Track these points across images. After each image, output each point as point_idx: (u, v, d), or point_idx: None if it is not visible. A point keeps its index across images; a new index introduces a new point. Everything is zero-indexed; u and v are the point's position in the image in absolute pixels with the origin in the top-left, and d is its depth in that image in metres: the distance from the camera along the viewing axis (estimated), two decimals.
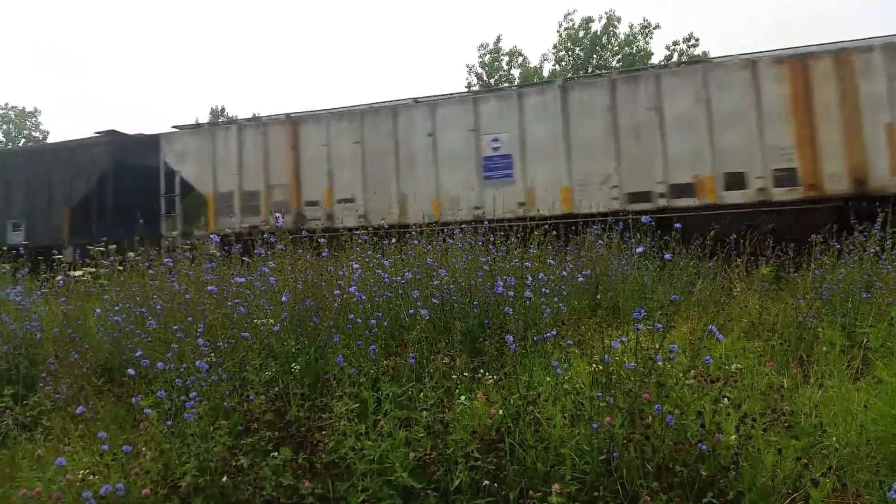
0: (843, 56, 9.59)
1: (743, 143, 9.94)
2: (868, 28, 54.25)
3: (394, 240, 6.18)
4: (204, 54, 79.49)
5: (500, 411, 3.06)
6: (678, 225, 5.38)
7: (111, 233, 12.31)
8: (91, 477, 2.89)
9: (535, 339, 4.01)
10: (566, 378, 3.47)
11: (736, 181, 9.96)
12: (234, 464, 2.90)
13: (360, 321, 3.99)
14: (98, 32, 77.97)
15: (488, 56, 33.21)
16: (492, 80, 32.43)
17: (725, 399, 2.99)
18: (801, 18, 55.31)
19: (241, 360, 3.69)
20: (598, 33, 32.45)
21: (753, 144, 9.87)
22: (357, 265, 4.73)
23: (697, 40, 31.46)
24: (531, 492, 2.64)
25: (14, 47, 71.43)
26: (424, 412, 3.12)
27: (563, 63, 33.00)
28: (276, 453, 2.93)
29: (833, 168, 9.50)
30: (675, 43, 31.46)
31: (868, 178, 9.39)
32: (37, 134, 43.87)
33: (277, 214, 4.55)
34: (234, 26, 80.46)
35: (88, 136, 15.36)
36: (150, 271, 5.46)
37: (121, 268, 6.23)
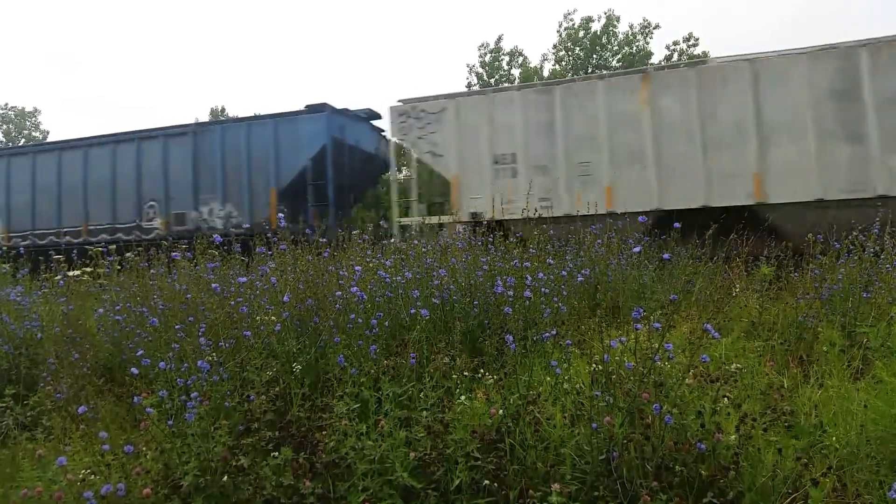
0: None
1: None
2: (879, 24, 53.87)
3: (392, 239, 6.18)
4: (203, 55, 79.52)
5: (500, 411, 3.06)
6: (677, 224, 5.40)
7: None
8: (92, 476, 2.89)
9: (534, 338, 4.01)
10: (566, 378, 3.47)
11: None
12: (234, 463, 2.91)
13: (360, 321, 4.00)
14: (97, 32, 78.01)
15: (489, 56, 33.20)
16: (492, 80, 32.43)
17: (725, 398, 2.99)
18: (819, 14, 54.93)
19: (242, 360, 3.70)
20: (598, 33, 32.44)
21: None
22: (359, 267, 4.73)
23: (697, 40, 31.45)
24: (531, 491, 2.64)
25: (14, 47, 71.45)
26: (425, 412, 3.12)
27: (564, 63, 33.00)
28: (277, 453, 2.94)
29: None
30: (675, 43, 31.45)
31: None
32: (37, 134, 43.87)
33: (280, 216, 4.52)
34: (235, 26, 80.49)
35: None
36: None
37: None
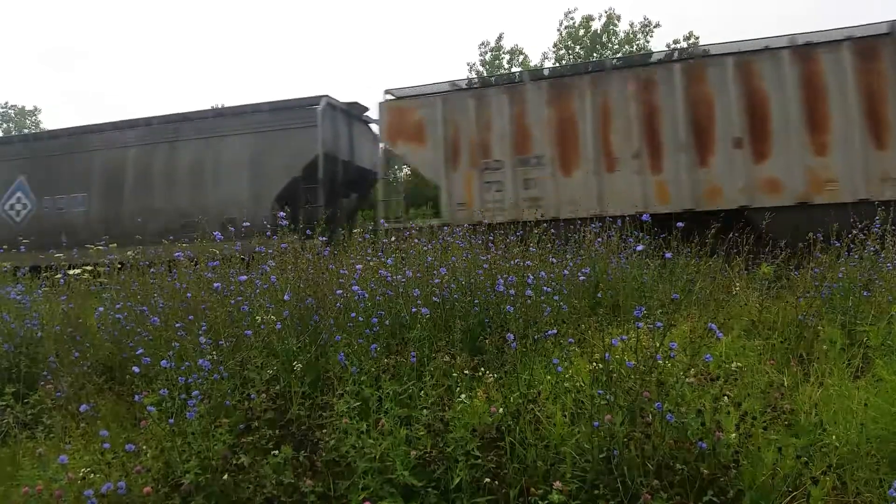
0: None
1: None
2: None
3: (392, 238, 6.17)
4: (204, 53, 79.51)
5: (501, 409, 3.06)
6: (680, 224, 5.40)
7: None
8: (92, 475, 2.89)
9: (535, 337, 4.00)
10: (567, 376, 3.47)
11: None
12: (235, 462, 2.90)
13: (361, 319, 3.99)
14: (97, 30, 77.96)
15: (489, 54, 33.18)
16: (492, 79, 32.40)
17: (726, 397, 2.99)
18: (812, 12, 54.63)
19: (242, 359, 3.70)
20: (598, 32, 32.42)
21: None
22: (360, 266, 4.72)
23: (698, 38, 31.42)
24: (532, 489, 2.64)
25: (14, 44, 71.41)
26: (425, 410, 3.12)
27: (564, 61, 32.97)
28: (277, 451, 2.94)
29: None
30: (676, 41, 31.41)
31: None
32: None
33: (282, 213, 4.52)
34: (235, 25, 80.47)
35: None
36: None
37: None
